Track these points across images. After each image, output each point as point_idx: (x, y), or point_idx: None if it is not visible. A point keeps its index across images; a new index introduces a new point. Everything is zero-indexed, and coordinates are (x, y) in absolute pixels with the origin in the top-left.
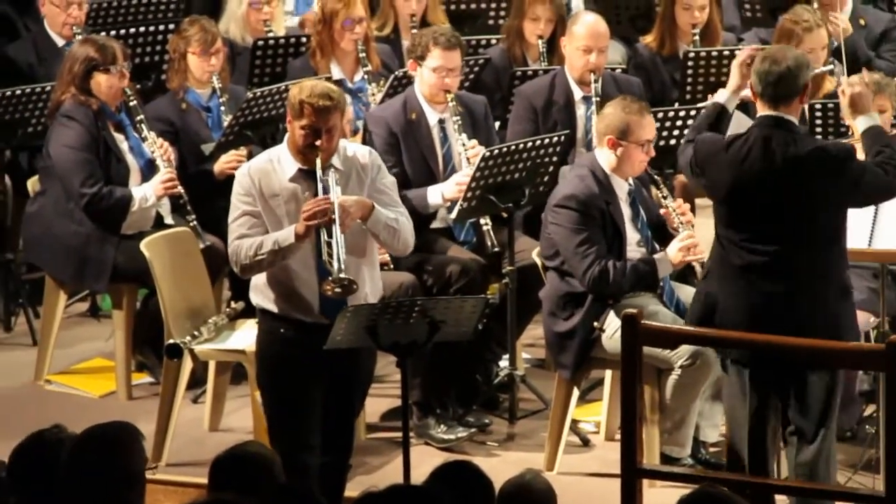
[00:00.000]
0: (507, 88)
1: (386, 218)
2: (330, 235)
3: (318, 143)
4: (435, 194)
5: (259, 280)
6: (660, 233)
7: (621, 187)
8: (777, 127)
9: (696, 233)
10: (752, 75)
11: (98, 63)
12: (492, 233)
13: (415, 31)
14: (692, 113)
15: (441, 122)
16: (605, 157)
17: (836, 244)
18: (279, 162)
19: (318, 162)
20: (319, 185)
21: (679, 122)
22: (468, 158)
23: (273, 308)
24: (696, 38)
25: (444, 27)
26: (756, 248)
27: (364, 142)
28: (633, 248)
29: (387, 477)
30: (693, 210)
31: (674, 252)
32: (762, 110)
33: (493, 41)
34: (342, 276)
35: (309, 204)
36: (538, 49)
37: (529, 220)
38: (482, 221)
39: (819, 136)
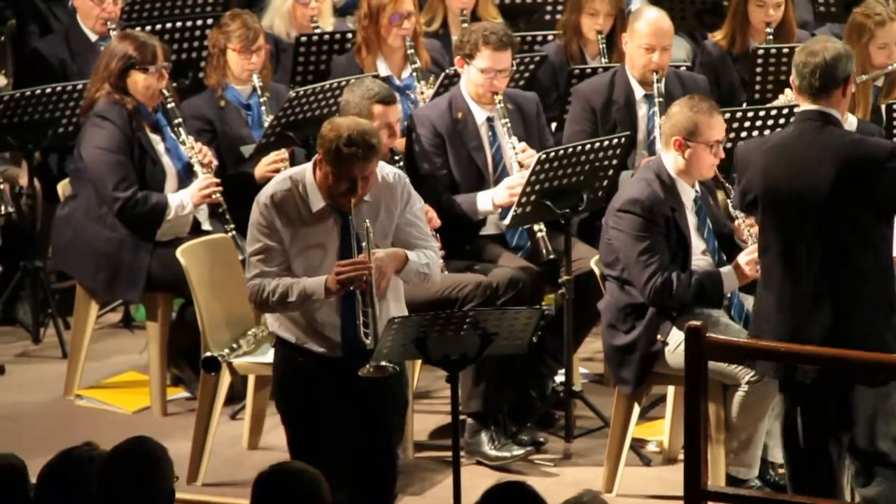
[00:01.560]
0: (564, 87)
1: (418, 266)
2: (366, 304)
3: (355, 190)
4: (485, 200)
5: None
6: (726, 243)
7: (687, 194)
8: (815, 120)
9: None
10: (792, 69)
11: (136, 61)
12: (546, 240)
13: (465, 23)
14: (761, 114)
15: (490, 120)
16: (671, 160)
17: (875, 252)
18: (304, 192)
19: (353, 210)
20: (353, 240)
21: (747, 124)
22: (519, 162)
23: (291, 338)
24: (770, 36)
25: (495, 24)
26: (788, 249)
27: (409, 143)
28: (698, 258)
29: (436, 498)
30: None
31: (742, 265)
32: (803, 104)
33: (550, 37)
34: (383, 364)
35: (345, 266)
36: (597, 45)
37: (586, 227)
38: (536, 228)
39: None
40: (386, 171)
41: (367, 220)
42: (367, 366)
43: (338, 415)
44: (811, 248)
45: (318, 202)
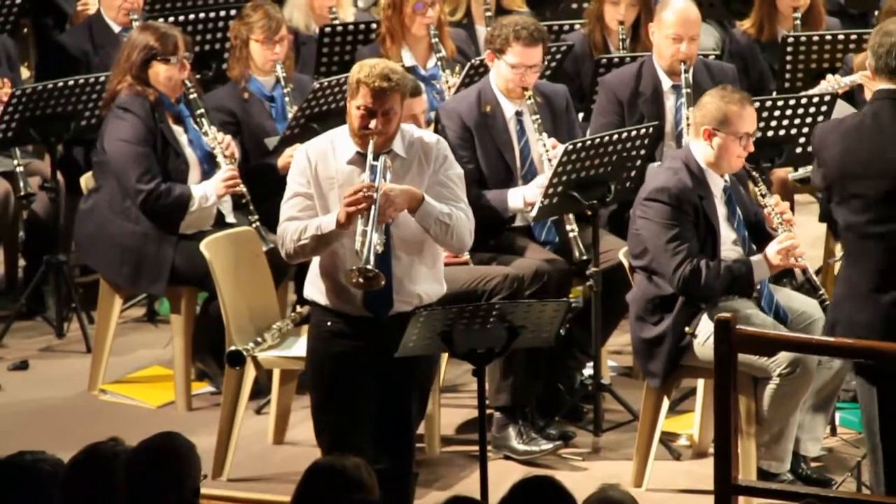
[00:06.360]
0: (588, 77)
1: (438, 212)
2: (364, 224)
3: (371, 125)
4: (516, 197)
5: (312, 272)
6: (757, 233)
7: (716, 183)
8: (891, 99)
9: (796, 233)
10: (868, 52)
11: (158, 52)
12: (579, 239)
13: (489, 13)
14: (791, 103)
15: (518, 114)
16: (700, 150)
17: None
18: (339, 143)
19: (370, 146)
20: (367, 170)
21: (777, 113)
22: (549, 160)
23: (322, 300)
24: (798, 22)
25: (526, 19)
26: (867, 229)
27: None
28: (728, 248)
29: (463, 493)
30: (792, 208)
31: (772, 254)
32: (880, 84)
33: (577, 26)
34: (367, 266)
35: (350, 190)
36: (619, 35)
37: (615, 219)
38: (568, 227)
39: None
40: (425, 134)
41: (387, 159)
42: (353, 270)
43: (362, 382)
44: (889, 227)
45: (349, 151)
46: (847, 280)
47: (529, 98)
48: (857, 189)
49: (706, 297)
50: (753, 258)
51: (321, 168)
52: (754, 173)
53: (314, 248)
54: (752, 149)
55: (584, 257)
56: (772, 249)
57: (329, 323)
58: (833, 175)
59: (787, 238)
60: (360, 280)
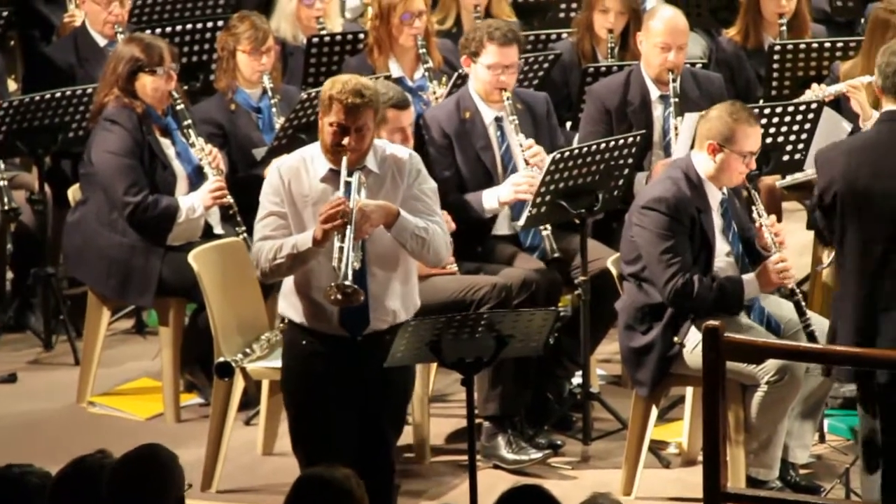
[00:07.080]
0: (575, 86)
1: (414, 227)
2: (340, 241)
3: (344, 142)
4: (490, 198)
5: (286, 287)
6: (747, 247)
7: (714, 196)
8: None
9: (786, 245)
10: (875, 72)
11: (144, 64)
12: (551, 238)
13: (479, 20)
14: (777, 110)
15: (498, 119)
16: (702, 163)
17: None
18: (312, 161)
19: (344, 162)
20: (341, 187)
21: (764, 121)
22: (526, 160)
23: (296, 317)
24: (784, 28)
25: (499, 21)
26: (867, 249)
27: (418, 144)
28: (721, 258)
29: (454, 503)
30: (780, 216)
31: (764, 275)
32: (887, 105)
33: (564, 35)
34: (346, 283)
35: (325, 207)
36: (608, 44)
37: (601, 227)
38: (541, 227)
39: None
40: (397, 149)
41: (362, 175)
42: (332, 286)
43: (338, 399)
44: (889, 248)
45: (322, 168)
46: (854, 294)
47: (507, 99)
48: (858, 209)
49: (695, 310)
50: (745, 276)
51: (294, 186)
52: (754, 192)
53: (290, 266)
54: (753, 166)
55: (556, 255)
56: (768, 268)
57: (304, 342)
58: (834, 194)
59: (780, 260)
60: (339, 297)
